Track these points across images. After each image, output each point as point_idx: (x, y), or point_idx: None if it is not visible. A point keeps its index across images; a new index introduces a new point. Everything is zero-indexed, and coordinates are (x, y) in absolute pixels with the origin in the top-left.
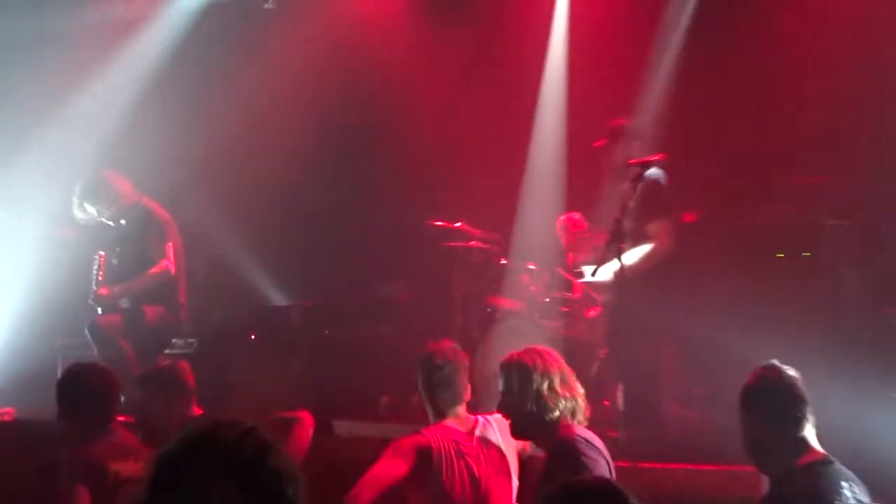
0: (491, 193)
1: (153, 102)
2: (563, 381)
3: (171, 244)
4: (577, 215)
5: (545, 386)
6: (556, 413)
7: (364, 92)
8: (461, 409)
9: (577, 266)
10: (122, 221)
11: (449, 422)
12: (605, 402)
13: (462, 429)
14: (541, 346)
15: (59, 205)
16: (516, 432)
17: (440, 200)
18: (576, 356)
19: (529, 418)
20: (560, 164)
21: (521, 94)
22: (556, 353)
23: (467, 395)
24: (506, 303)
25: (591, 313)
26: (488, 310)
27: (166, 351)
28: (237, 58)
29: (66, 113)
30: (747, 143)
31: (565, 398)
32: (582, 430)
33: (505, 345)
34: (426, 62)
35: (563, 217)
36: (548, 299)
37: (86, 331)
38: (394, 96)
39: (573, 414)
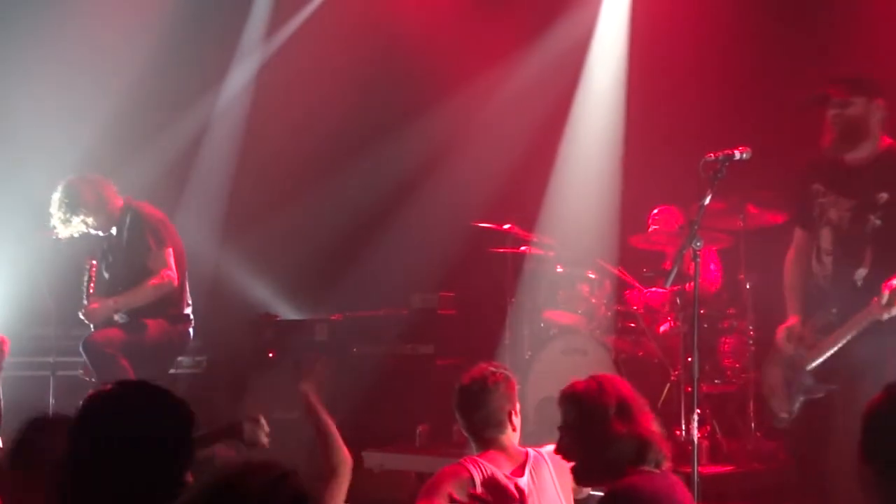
0: (542, 191)
1: (155, 95)
2: (625, 415)
3: (170, 249)
4: (672, 209)
5: (605, 422)
6: (615, 454)
7: (396, 80)
8: (507, 440)
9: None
10: (113, 230)
11: (493, 454)
12: (677, 432)
13: (510, 463)
14: (605, 373)
15: (39, 204)
16: (581, 478)
17: (486, 199)
18: (644, 379)
19: (593, 461)
20: (616, 160)
21: (573, 77)
22: (622, 381)
23: (513, 424)
24: (562, 317)
25: (663, 329)
26: (542, 325)
27: (172, 371)
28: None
29: (50, 105)
30: None
31: (628, 436)
32: (646, 479)
33: (561, 365)
34: (466, 44)
35: (655, 211)
36: (609, 313)
37: (80, 349)
38: (430, 84)
39: (640, 455)
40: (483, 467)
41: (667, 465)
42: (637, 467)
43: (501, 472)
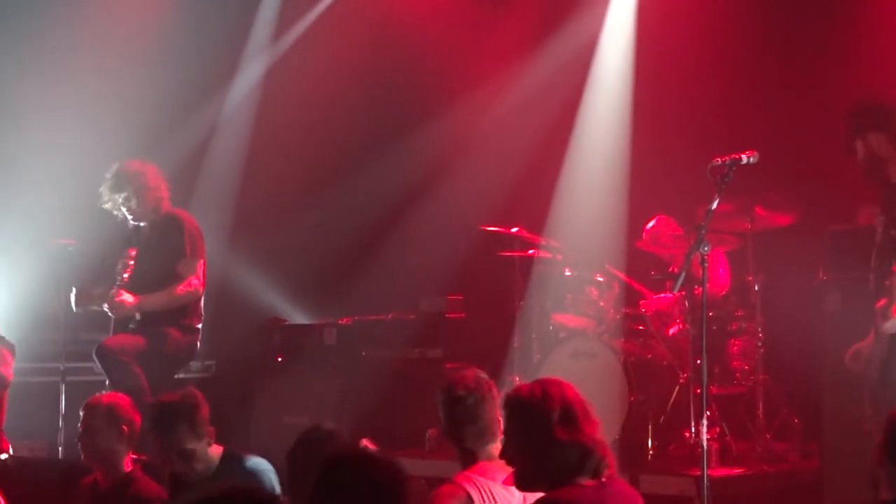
0: (550, 194)
1: (163, 99)
2: (569, 421)
3: (203, 262)
4: (667, 218)
5: (545, 428)
6: (556, 461)
7: (402, 82)
8: (495, 449)
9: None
10: (142, 224)
11: (485, 465)
12: (687, 435)
13: (502, 472)
14: (553, 377)
15: (55, 211)
16: (521, 484)
17: (494, 203)
18: (653, 382)
19: (534, 467)
20: (623, 163)
21: (580, 81)
22: (569, 386)
23: (500, 430)
24: (570, 320)
25: (672, 331)
26: (550, 328)
27: (180, 376)
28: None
29: (58, 110)
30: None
31: (570, 443)
32: (575, 493)
33: (569, 369)
34: (474, 49)
35: (651, 223)
36: (618, 316)
37: (94, 355)
38: (438, 88)
39: (580, 463)
40: (480, 485)
41: (607, 473)
42: (576, 476)
43: (496, 483)
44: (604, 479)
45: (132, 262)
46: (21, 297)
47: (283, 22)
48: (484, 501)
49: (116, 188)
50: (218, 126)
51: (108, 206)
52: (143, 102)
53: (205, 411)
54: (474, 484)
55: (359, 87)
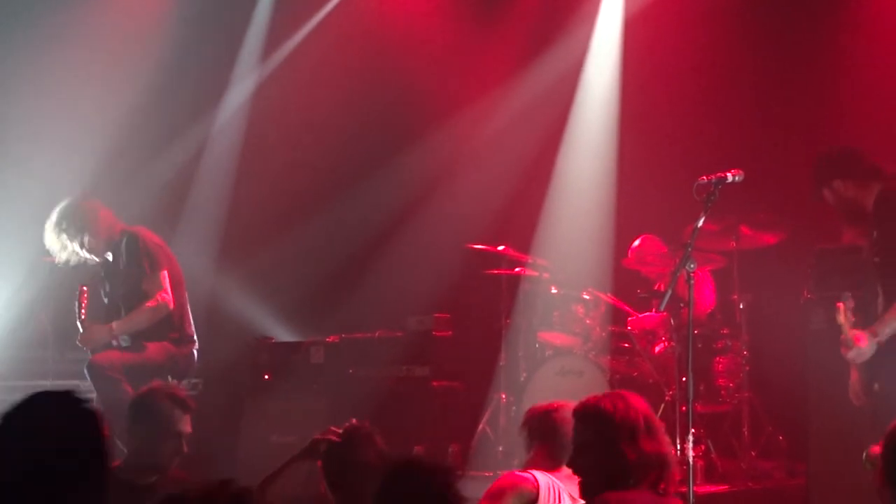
0: (537, 213)
1: (153, 118)
2: (650, 434)
3: (165, 272)
4: (652, 238)
5: (626, 440)
6: (631, 474)
7: (391, 102)
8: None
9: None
10: (109, 255)
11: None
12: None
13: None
14: (625, 391)
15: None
16: (587, 493)
17: (481, 222)
18: None
19: (603, 478)
20: (610, 183)
21: (567, 102)
22: (641, 399)
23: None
24: (557, 338)
25: (658, 349)
26: (537, 346)
27: None
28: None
29: (47, 129)
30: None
31: (648, 455)
32: (630, 495)
33: (556, 386)
34: (462, 70)
35: (637, 242)
36: (604, 334)
37: (85, 371)
38: (426, 108)
39: (644, 475)
40: (553, 484)
41: (662, 486)
42: (637, 485)
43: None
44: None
45: (86, 298)
46: (9, 314)
47: (272, 41)
48: (549, 500)
49: (70, 236)
50: (207, 145)
51: (68, 258)
52: (132, 123)
53: None
54: (546, 482)
55: (347, 107)
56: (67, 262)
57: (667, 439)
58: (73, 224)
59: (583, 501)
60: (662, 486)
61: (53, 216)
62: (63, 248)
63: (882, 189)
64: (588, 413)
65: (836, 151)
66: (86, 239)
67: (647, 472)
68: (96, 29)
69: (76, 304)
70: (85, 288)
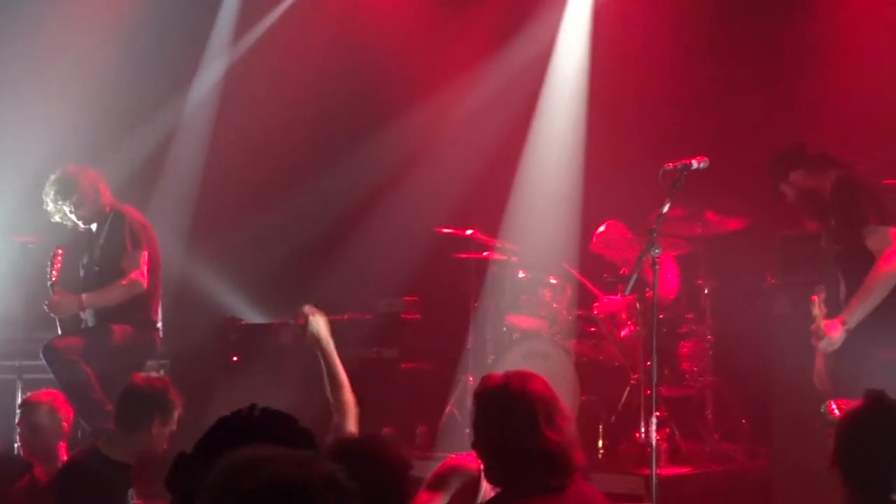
0: (505, 196)
1: (123, 98)
2: (549, 421)
3: (145, 253)
4: (617, 223)
5: (529, 422)
6: (526, 463)
7: (360, 86)
8: None
9: (615, 279)
10: (93, 226)
11: None
12: (637, 435)
13: None
14: (527, 370)
15: (15, 207)
16: (491, 477)
17: (450, 206)
18: (604, 383)
19: (503, 466)
20: (578, 167)
21: (536, 88)
22: (544, 380)
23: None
24: (524, 321)
25: (624, 333)
26: (504, 329)
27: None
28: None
29: (20, 108)
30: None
31: (547, 444)
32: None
33: (523, 369)
34: (431, 55)
35: (602, 227)
36: (571, 317)
37: (41, 353)
38: (395, 92)
39: (550, 466)
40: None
41: (574, 473)
42: (545, 476)
43: None
44: (568, 480)
45: (59, 261)
46: None
47: (243, 24)
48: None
49: (62, 197)
50: (178, 127)
51: (57, 217)
52: (104, 103)
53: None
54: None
55: (317, 90)
56: (62, 223)
57: (567, 422)
58: (63, 186)
59: None
60: (554, 480)
61: (55, 176)
62: (56, 210)
63: (838, 176)
64: (485, 395)
65: (786, 147)
66: (79, 203)
67: (546, 462)
68: (69, 8)
69: (48, 267)
70: (60, 251)
